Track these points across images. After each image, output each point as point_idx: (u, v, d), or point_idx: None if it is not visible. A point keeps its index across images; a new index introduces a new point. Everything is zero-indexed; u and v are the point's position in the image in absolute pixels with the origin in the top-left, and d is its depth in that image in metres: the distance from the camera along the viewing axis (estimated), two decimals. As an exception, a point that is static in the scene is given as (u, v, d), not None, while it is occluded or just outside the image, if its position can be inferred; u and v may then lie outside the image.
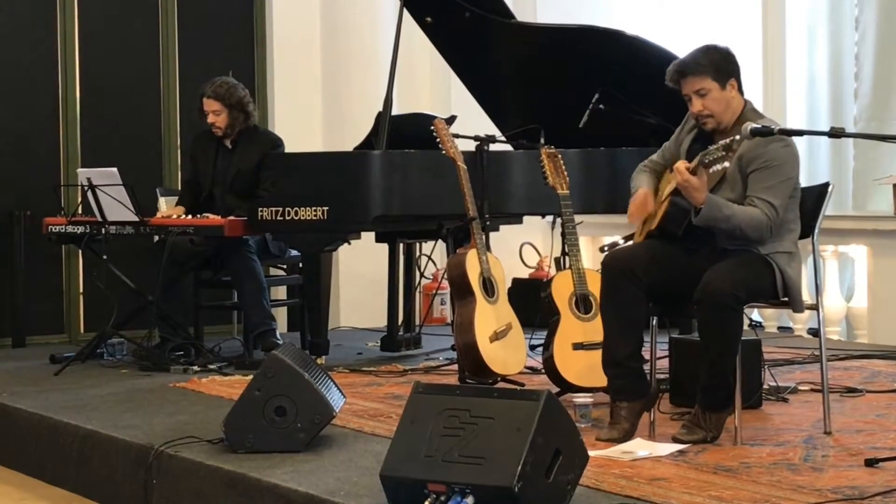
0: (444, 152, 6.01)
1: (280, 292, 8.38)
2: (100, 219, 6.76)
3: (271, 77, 8.96)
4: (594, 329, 5.01)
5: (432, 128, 6.04)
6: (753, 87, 8.35)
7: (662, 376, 5.17)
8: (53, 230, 6.99)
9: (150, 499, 4.63)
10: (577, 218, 5.76)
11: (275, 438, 4.50)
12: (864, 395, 5.57)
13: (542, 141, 6.58)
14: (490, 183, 6.35)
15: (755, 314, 7.84)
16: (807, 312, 7.41)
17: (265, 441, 4.49)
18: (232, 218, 6.69)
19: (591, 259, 8.38)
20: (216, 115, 6.96)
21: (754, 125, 4.43)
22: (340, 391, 4.89)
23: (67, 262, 8.27)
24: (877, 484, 3.86)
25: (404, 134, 6.74)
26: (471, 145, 6.41)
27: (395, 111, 6.87)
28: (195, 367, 6.57)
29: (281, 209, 6.46)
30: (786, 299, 4.68)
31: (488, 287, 5.82)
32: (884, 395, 5.59)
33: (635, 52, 6.74)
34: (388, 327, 7.36)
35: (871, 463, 4.11)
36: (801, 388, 5.65)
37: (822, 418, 4.77)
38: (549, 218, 7.78)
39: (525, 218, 7.62)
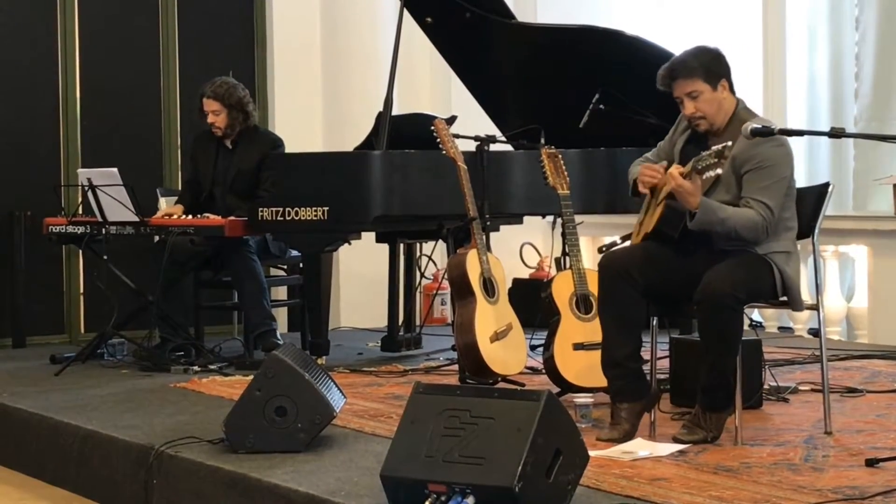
0: (444, 152, 6.01)
1: (280, 292, 8.38)
2: (100, 219, 6.76)
3: (271, 77, 8.96)
4: (594, 329, 5.01)
5: (432, 128, 6.04)
6: (754, 87, 8.36)
7: (662, 376, 5.17)
8: (54, 230, 6.99)
9: (151, 499, 4.63)
10: (578, 218, 5.76)
11: (275, 439, 4.50)
12: (865, 396, 5.57)
13: (543, 141, 6.58)
14: (490, 183, 6.35)
15: (755, 314, 7.84)
16: (807, 312, 7.42)
17: (266, 441, 4.49)
18: (232, 218, 6.69)
19: (591, 259, 8.37)
20: (216, 116, 6.96)
21: (755, 125, 4.43)
22: (341, 391, 4.89)
23: (68, 262, 8.27)
24: (877, 484, 3.86)
25: (404, 134, 6.74)
26: (471, 145, 6.41)
27: (395, 111, 6.87)
28: (195, 368, 6.57)
29: (281, 209, 6.47)
30: (785, 299, 4.68)
31: (489, 287, 5.82)
32: (884, 395, 5.59)
33: (635, 52, 6.74)
34: (389, 327, 7.36)
35: (871, 463, 4.11)
36: (801, 388, 5.65)
37: (823, 418, 4.77)
38: (550, 218, 7.77)
39: (525, 218, 7.62)
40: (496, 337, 5.74)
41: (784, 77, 8.25)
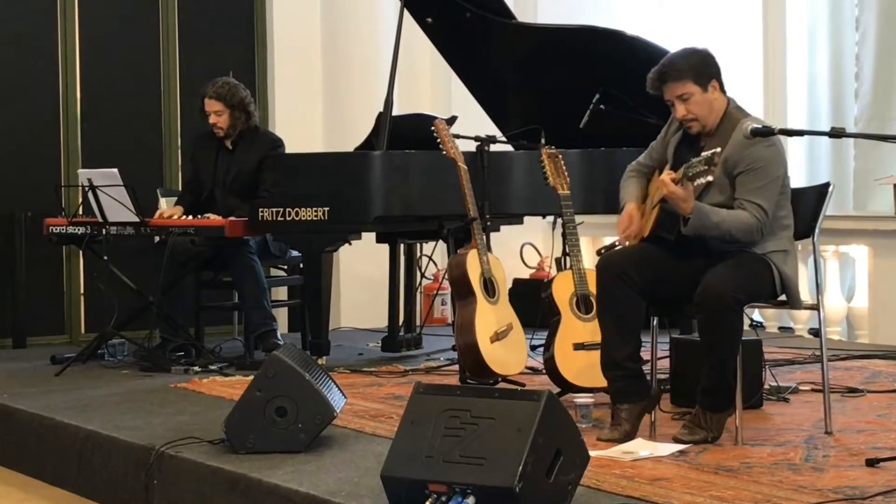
0: (444, 153, 6.01)
1: (281, 293, 8.38)
2: (100, 219, 6.76)
3: (272, 78, 8.96)
4: (595, 329, 5.01)
5: (433, 128, 6.05)
6: (754, 88, 8.37)
7: (662, 376, 5.17)
8: (54, 231, 6.99)
9: (151, 499, 4.63)
10: (578, 218, 5.76)
11: (276, 439, 4.50)
12: (865, 395, 5.57)
13: (543, 141, 6.59)
14: (491, 183, 6.36)
15: (755, 314, 7.84)
16: (807, 312, 7.43)
17: (266, 441, 4.49)
18: (233, 218, 6.69)
19: (591, 259, 8.35)
20: (218, 116, 6.96)
21: (755, 125, 4.43)
22: (341, 391, 4.89)
23: (68, 262, 8.27)
24: (878, 484, 3.86)
25: (405, 134, 6.74)
26: (471, 146, 6.41)
27: (395, 112, 6.87)
28: (196, 368, 6.57)
29: (282, 209, 6.47)
30: (784, 298, 4.68)
31: (489, 287, 5.82)
32: (884, 395, 5.59)
33: (635, 51, 6.74)
34: (389, 328, 7.36)
35: (871, 463, 4.11)
36: (801, 388, 5.66)
37: (823, 418, 4.77)
38: (550, 218, 7.77)
39: (526, 218, 7.62)
40: (496, 337, 5.74)
41: (784, 77, 8.26)
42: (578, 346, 5.40)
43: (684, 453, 4.39)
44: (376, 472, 3.81)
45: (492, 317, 5.78)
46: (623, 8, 9.24)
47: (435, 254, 7.69)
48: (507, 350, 5.78)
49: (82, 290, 8.31)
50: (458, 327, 5.80)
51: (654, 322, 4.82)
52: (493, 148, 6.52)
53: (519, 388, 5.52)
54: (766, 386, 5.40)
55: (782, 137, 4.60)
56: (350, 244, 6.87)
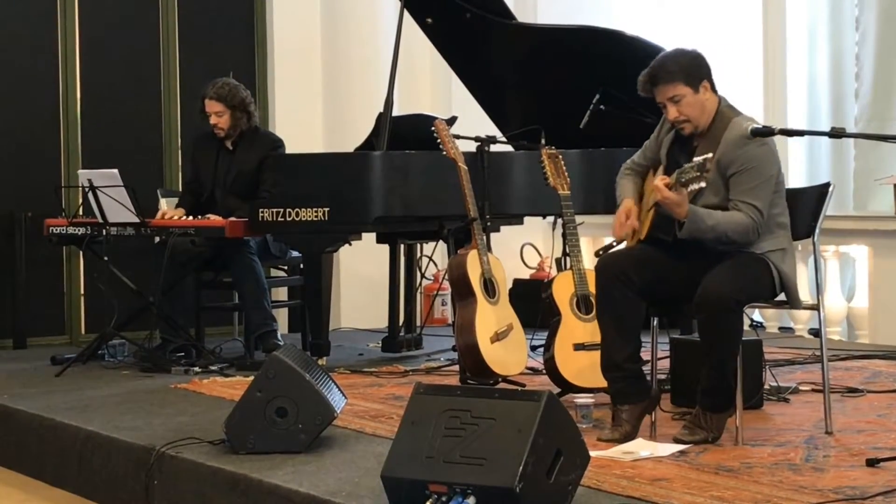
0: (444, 153, 6.01)
1: (281, 293, 8.38)
2: (101, 220, 6.75)
3: (272, 78, 8.96)
4: (595, 329, 5.01)
5: (433, 129, 6.05)
6: (754, 88, 8.37)
7: (662, 376, 5.17)
8: (54, 231, 6.99)
9: (152, 500, 4.63)
10: (578, 218, 5.76)
11: (276, 439, 4.50)
12: (865, 396, 5.57)
13: (543, 141, 6.59)
14: (491, 184, 6.36)
15: (756, 314, 7.84)
16: (808, 312, 7.42)
17: (266, 442, 4.50)
18: (233, 219, 6.69)
19: (591, 259, 8.35)
20: (219, 117, 6.96)
21: (755, 125, 4.44)
22: (341, 392, 4.89)
23: (68, 263, 8.27)
24: (878, 484, 3.86)
25: (405, 135, 6.74)
26: (471, 146, 6.41)
27: (395, 112, 6.87)
28: (196, 369, 6.57)
29: (282, 210, 6.47)
30: (783, 297, 4.68)
31: (489, 288, 5.82)
32: (885, 395, 5.59)
33: (635, 51, 6.73)
34: (389, 328, 7.36)
35: (872, 463, 4.11)
36: (802, 388, 5.66)
37: (824, 418, 4.77)
38: (550, 218, 7.77)
39: (526, 218, 7.62)
40: (497, 337, 5.74)
41: (784, 77, 8.26)
42: (579, 347, 5.40)
43: (685, 453, 4.39)
44: (376, 472, 3.81)
45: (492, 317, 5.78)
46: (623, 8, 9.24)
47: (435, 254, 7.68)
48: (507, 350, 5.78)
49: (82, 291, 8.31)
50: (459, 328, 5.80)
51: (655, 322, 4.82)
52: (494, 148, 6.52)
53: (519, 388, 5.52)
54: (766, 386, 5.40)
55: (779, 137, 4.60)
56: (350, 244, 6.87)
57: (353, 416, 5.18)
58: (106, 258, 6.79)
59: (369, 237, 7.18)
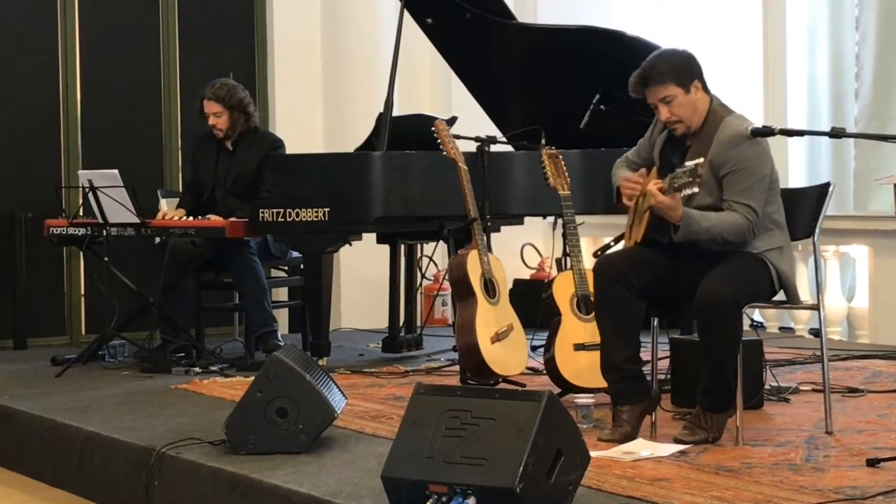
0: (445, 153, 6.01)
1: (281, 293, 8.38)
2: (101, 220, 6.75)
3: (272, 78, 8.96)
4: (595, 330, 5.00)
5: (433, 129, 6.05)
6: (754, 88, 8.37)
7: (662, 377, 5.17)
8: (55, 232, 6.99)
9: (152, 500, 4.63)
10: (579, 219, 5.76)
11: (276, 440, 4.50)
12: (866, 396, 5.57)
13: (543, 141, 6.58)
14: (491, 184, 6.35)
15: (756, 314, 7.84)
16: (808, 313, 7.43)
17: (267, 442, 4.50)
18: (233, 219, 6.69)
19: (592, 260, 8.35)
20: (217, 117, 6.96)
21: (755, 126, 4.43)
22: (342, 392, 4.89)
23: (68, 263, 8.27)
24: (878, 484, 3.86)
25: (405, 135, 6.74)
26: (472, 146, 6.41)
27: (395, 112, 6.86)
28: (196, 369, 6.57)
29: (282, 210, 6.47)
30: (782, 297, 4.68)
31: (489, 288, 5.82)
32: (885, 395, 5.59)
33: (636, 52, 6.72)
34: (390, 328, 7.36)
35: (872, 463, 4.11)
36: (802, 388, 5.66)
37: (824, 418, 4.77)
38: (551, 219, 7.76)
39: (526, 219, 7.62)
40: (497, 338, 5.74)
41: (784, 77, 8.25)
42: (579, 347, 5.40)
43: (685, 454, 4.39)
44: (377, 472, 3.81)
45: (492, 317, 5.78)
46: (623, 8, 9.24)
47: (435, 254, 7.68)
48: (507, 350, 5.77)
49: (83, 292, 8.31)
50: (459, 328, 5.80)
51: (655, 323, 4.82)
52: (494, 148, 6.51)
53: (519, 388, 5.52)
54: (766, 386, 5.40)
55: (778, 137, 4.60)
56: (350, 245, 6.87)
57: (354, 416, 5.18)
58: (106, 259, 6.79)
59: (369, 237, 7.17)
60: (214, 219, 6.75)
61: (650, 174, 4.83)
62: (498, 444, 3.57)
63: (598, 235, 8.37)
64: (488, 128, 7.06)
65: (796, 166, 8.23)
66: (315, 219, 6.41)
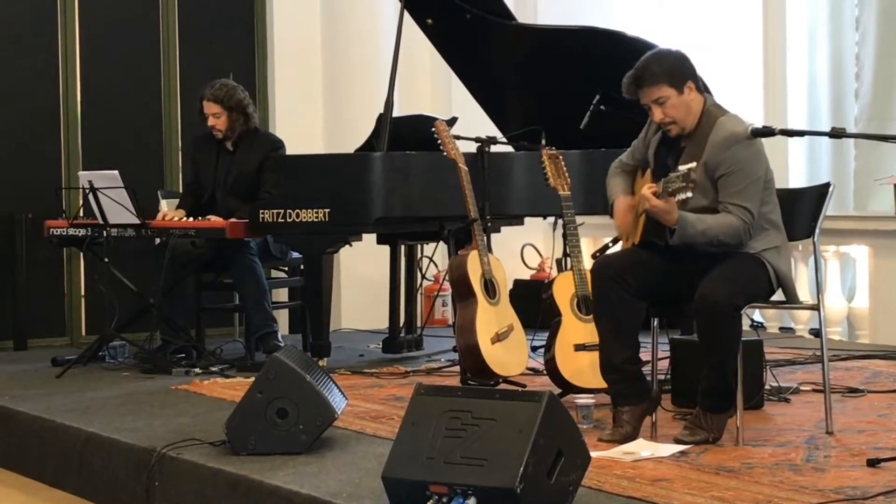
0: (445, 154, 6.01)
1: (281, 294, 8.38)
2: (101, 221, 6.75)
3: (272, 79, 8.96)
4: (596, 330, 5.01)
5: (433, 129, 6.05)
6: (754, 88, 8.37)
7: (662, 377, 5.17)
8: (55, 233, 6.99)
9: (152, 501, 4.63)
10: (579, 219, 5.76)
11: (277, 440, 4.50)
12: (866, 396, 5.57)
13: (543, 142, 6.58)
14: (491, 184, 6.35)
15: (756, 315, 7.84)
16: (808, 313, 7.43)
17: (267, 443, 4.50)
18: (233, 220, 6.69)
19: (592, 260, 8.36)
20: (216, 118, 6.96)
21: (756, 126, 4.43)
22: (342, 393, 4.89)
23: (69, 264, 8.27)
24: (879, 484, 3.86)
25: (405, 136, 6.74)
26: (472, 147, 6.41)
27: (396, 113, 6.86)
28: (197, 370, 6.57)
29: (282, 211, 6.47)
30: (781, 297, 4.68)
31: (490, 288, 5.82)
32: (885, 395, 5.59)
33: (636, 52, 6.70)
34: (390, 329, 7.36)
35: (873, 463, 4.11)
36: (802, 388, 5.66)
37: (824, 419, 4.77)
38: (551, 219, 7.76)
39: (526, 219, 7.62)
40: (497, 338, 5.74)
41: (784, 77, 8.26)
42: (579, 347, 5.40)
43: (685, 454, 4.39)
44: (377, 473, 3.81)
45: (492, 318, 5.78)
46: (623, 8, 9.24)
47: (435, 255, 7.68)
48: (507, 351, 5.77)
49: (83, 292, 8.31)
50: (459, 328, 5.80)
51: (655, 323, 4.82)
52: (494, 149, 6.51)
53: (520, 388, 5.52)
54: (766, 386, 5.40)
55: (778, 137, 4.59)
56: (351, 245, 6.87)
57: (354, 417, 5.18)
58: (106, 259, 6.79)
59: (370, 238, 7.18)
60: (215, 219, 6.75)
61: (645, 176, 4.83)
62: (498, 445, 3.57)
63: (599, 236, 8.36)
64: (488, 128, 7.06)
65: (796, 166, 8.23)
66: (315, 219, 6.41)
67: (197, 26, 8.71)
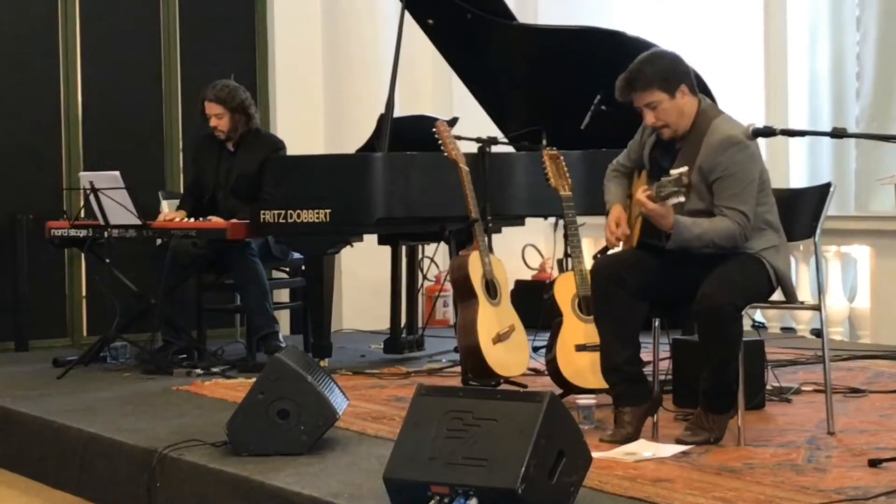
0: (446, 154, 6.01)
1: (283, 295, 8.38)
2: (102, 222, 6.75)
3: (273, 80, 8.96)
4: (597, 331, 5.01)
5: (434, 130, 6.05)
6: (755, 88, 8.37)
7: (663, 377, 5.17)
8: (56, 234, 6.99)
9: (154, 502, 4.63)
10: (580, 219, 5.76)
11: (278, 441, 4.50)
12: (868, 396, 5.57)
13: (544, 142, 6.58)
14: (492, 185, 6.36)
15: (758, 315, 7.84)
16: (809, 313, 7.42)
17: (268, 444, 4.50)
18: (234, 221, 6.69)
19: (592, 261, 8.36)
20: (218, 119, 6.96)
21: (756, 127, 4.43)
22: (343, 394, 4.89)
23: (70, 265, 8.27)
24: (880, 484, 3.86)
25: (406, 136, 6.74)
26: (473, 147, 6.41)
27: (397, 113, 6.86)
28: (198, 371, 6.57)
29: (283, 212, 6.46)
30: (781, 297, 4.68)
31: (491, 289, 5.82)
32: (887, 395, 5.59)
33: (637, 52, 6.71)
34: (391, 329, 7.36)
35: (874, 463, 4.11)
36: (804, 388, 5.66)
37: (826, 419, 4.77)
38: (552, 219, 7.77)
39: (527, 220, 7.61)
40: (498, 338, 5.74)
41: (785, 77, 8.26)
42: (580, 348, 5.40)
43: (687, 454, 4.39)
44: (379, 474, 3.80)
45: (494, 318, 5.78)
46: (623, 8, 9.24)
47: (437, 255, 7.68)
48: (508, 351, 5.77)
49: (84, 293, 8.31)
50: (460, 329, 5.80)
51: (656, 324, 4.82)
52: (495, 149, 6.52)
53: (521, 389, 5.52)
54: (768, 387, 5.40)
55: (779, 137, 4.59)
56: (352, 246, 6.87)
57: (355, 417, 5.18)
58: (108, 260, 6.79)
59: (371, 239, 7.18)
60: (216, 220, 6.75)
61: (641, 177, 4.83)
62: (499, 445, 3.57)
63: (600, 236, 8.29)
64: (489, 129, 7.06)
65: (797, 166, 8.23)
66: (316, 220, 6.40)
67: (198, 27, 8.71)
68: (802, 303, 4.89)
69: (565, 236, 5.69)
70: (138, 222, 6.67)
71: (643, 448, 4.46)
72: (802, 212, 4.86)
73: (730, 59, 8.58)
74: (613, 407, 4.74)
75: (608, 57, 6.83)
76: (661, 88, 4.61)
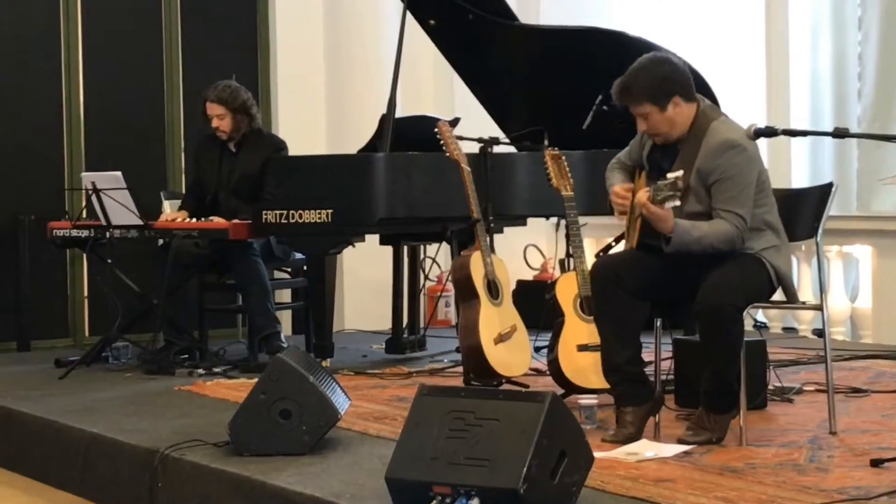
0: (447, 154, 6.01)
1: (285, 295, 8.37)
2: (104, 223, 6.76)
3: (275, 80, 8.96)
4: (598, 331, 5.01)
5: (436, 130, 6.05)
6: (757, 87, 8.37)
7: (665, 377, 5.17)
8: (58, 234, 6.99)
9: (156, 502, 4.63)
10: (582, 219, 5.76)
11: (280, 441, 4.50)
12: (870, 396, 5.57)
13: (546, 142, 6.58)
14: (494, 185, 6.36)
15: (760, 315, 7.84)
16: (811, 313, 7.42)
17: (270, 444, 4.50)
18: (236, 221, 6.69)
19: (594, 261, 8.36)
20: (220, 119, 6.96)
21: (758, 127, 4.42)
22: (345, 394, 4.89)
23: (72, 265, 8.28)
24: (882, 484, 3.86)
25: (408, 136, 6.74)
26: (475, 147, 6.41)
27: (398, 114, 6.86)
28: (200, 371, 6.58)
29: (285, 212, 6.46)
30: (782, 297, 4.68)
31: (493, 289, 5.82)
32: (889, 395, 5.59)
33: (638, 52, 6.71)
34: (393, 330, 7.36)
35: (876, 463, 4.11)
36: (805, 388, 5.66)
37: (828, 419, 4.77)
38: (554, 220, 7.77)
39: (529, 220, 7.61)
40: (500, 339, 5.74)
41: (787, 77, 8.26)
42: (582, 348, 5.40)
43: (689, 454, 4.39)
44: (381, 474, 3.81)
45: (495, 318, 5.78)
46: (624, 8, 9.24)
47: (438, 256, 7.69)
48: (510, 352, 5.77)
49: (86, 293, 8.31)
50: (462, 329, 5.80)
51: (658, 324, 4.82)
52: (497, 149, 6.51)
53: (523, 389, 5.52)
54: (770, 386, 5.40)
55: (781, 137, 4.59)
56: (354, 246, 6.87)
57: (357, 417, 5.18)
58: (109, 261, 6.80)
59: (373, 239, 7.18)
60: (217, 221, 6.75)
61: (640, 178, 4.83)
62: (501, 445, 3.57)
63: (602, 236, 8.35)
64: (491, 129, 7.06)
65: (799, 166, 8.23)
66: (318, 220, 6.40)
67: (200, 27, 8.71)
68: (804, 303, 4.89)
69: (567, 236, 5.69)
70: (140, 222, 6.67)
71: (645, 448, 4.46)
72: (804, 212, 4.86)
73: (731, 59, 8.57)
74: (615, 407, 4.74)
75: (610, 57, 6.83)
76: (652, 101, 4.62)
